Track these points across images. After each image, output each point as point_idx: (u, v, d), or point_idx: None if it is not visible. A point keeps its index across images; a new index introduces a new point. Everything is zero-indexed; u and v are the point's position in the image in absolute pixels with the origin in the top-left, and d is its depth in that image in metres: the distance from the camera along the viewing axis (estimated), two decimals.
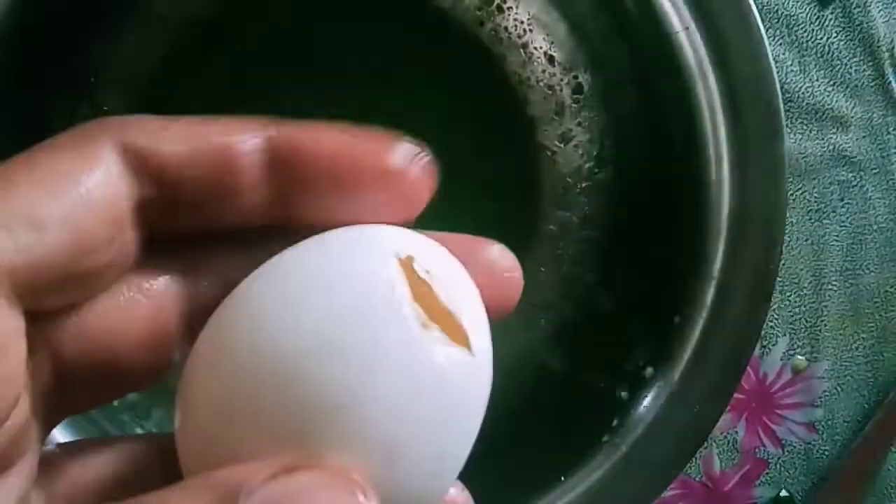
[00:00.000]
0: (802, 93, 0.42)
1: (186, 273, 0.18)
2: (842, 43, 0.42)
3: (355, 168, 0.18)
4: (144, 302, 0.18)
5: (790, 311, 0.42)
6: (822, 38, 0.42)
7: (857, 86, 0.42)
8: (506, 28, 0.38)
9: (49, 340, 0.17)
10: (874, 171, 0.42)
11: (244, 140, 0.17)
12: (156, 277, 0.18)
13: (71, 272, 0.16)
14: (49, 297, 0.16)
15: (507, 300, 0.20)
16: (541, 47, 0.39)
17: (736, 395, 0.41)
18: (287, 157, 0.18)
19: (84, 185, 0.16)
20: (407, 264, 0.17)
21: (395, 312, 0.16)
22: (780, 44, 0.42)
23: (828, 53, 0.42)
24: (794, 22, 0.42)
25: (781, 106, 0.31)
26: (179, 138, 0.17)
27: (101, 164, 0.16)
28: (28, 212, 0.15)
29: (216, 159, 0.17)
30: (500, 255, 0.21)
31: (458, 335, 0.17)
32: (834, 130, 0.42)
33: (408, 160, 0.19)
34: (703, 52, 0.32)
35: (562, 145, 0.39)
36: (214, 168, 0.17)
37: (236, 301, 0.17)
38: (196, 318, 0.18)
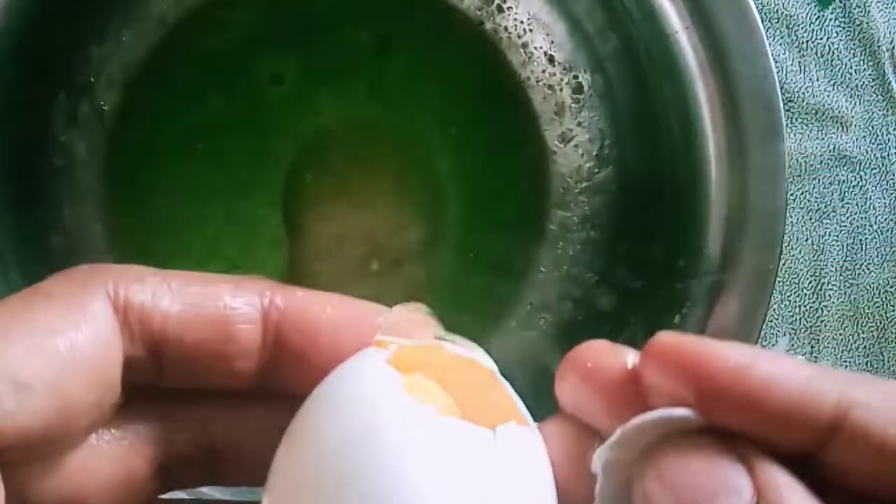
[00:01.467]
0: (802, 93, 0.42)
1: (163, 420, 0.18)
2: (842, 43, 0.42)
3: (358, 340, 0.18)
4: (116, 447, 0.17)
5: (790, 311, 0.42)
6: (822, 38, 0.42)
7: (857, 86, 0.42)
8: (506, 28, 0.38)
9: (14, 484, 0.15)
10: (874, 171, 0.42)
11: (244, 309, 0.17)
12: (131, 423, 0.17)
13: (51, 435, 0.15)
14: (23, 454, 0.15)
15: None
16: (541, 47, 0.39)
17: None
18: (288, 328, 0.17)
19: (75, 347, 0.15)
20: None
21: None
22: (780, 44, 0.42)
23: (828, 53, 0.42)
24: (794, 22, 0.42)
25: (781, 106, 0.31)
26: (179, 298, 0.17)
27: (93, 320, 0.16)
28: (15, 373, 0.15)
29: (215, 326, 0.17)
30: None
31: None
32: (834, 130, 0.42)
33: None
34: (702, 52, 0.32)
35: (562, 145, 0.39)
36: (212, 334, 0.17)
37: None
38: (170, 461, 0.18)
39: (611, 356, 0.17)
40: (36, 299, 0.16)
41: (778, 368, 0.15)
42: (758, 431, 0.15)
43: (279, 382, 0.18)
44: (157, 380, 0.17)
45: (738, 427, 0.15)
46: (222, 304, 0.17)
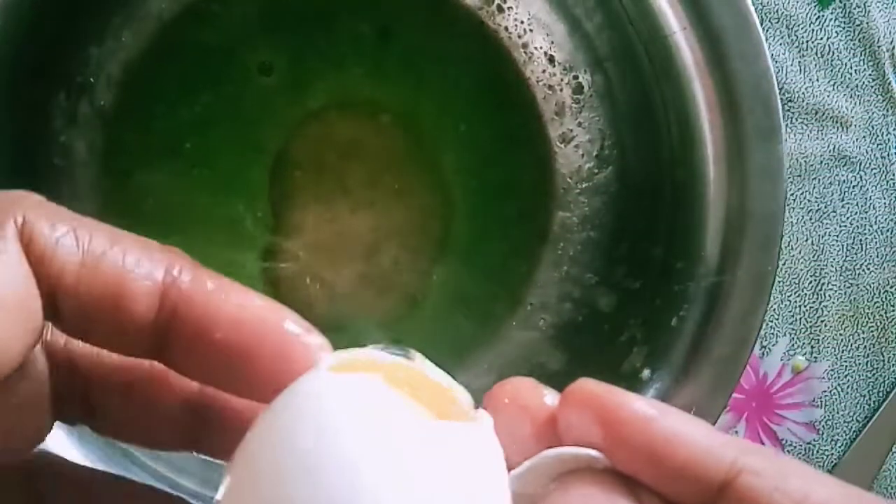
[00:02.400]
0: (802, 93, 0.42)
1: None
2: (842, 43, 0.42)
3: (254, 343, 0.17)
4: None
5: (790, 311, 0.42)
6: (822, 38, 0.42)
7: (857, 86, 0.42)
8: (506, 28, 0.38)
9: None
10: (874, 171, 0.42)
11: (142, 281, 0.17)
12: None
13: None
14: None
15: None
16: (541, 47, 0.39)
17: (736, 395, 0.41)
18: (184, 313, 0.17)
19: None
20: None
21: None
22: (780, 44, 0.42)
23: (828, 53, 0.42)
24: (794, 22, 0.42)
25: (780, 106, 0.31)
26: (81, 250, 0.17)
27: (6, 255, 0.16)
28: None
29: (107, 289, 0.17)
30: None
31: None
32: (834, 130, 0.42)
33: (307, 344, 0.17)
34: (701, 52, 0.32)
35: (562, 145, 0.39)
36: (104, 296, 0.17)
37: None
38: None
39: (532, 395, 0.18)
40: None
41: (682, 425, 0.16)
42: (656, 481, 0.16)
43: (173, 363, 0.18)
44: (57, 324, 0.17)
45: (639, 474, 0.16)
46: (122, 268, 0.17)
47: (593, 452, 0.16)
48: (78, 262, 0.16)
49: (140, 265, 0.17)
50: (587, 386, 0.17)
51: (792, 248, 0.42)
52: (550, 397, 0.18)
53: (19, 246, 0.16)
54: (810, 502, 0.15)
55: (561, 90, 0.39)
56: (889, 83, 0.42)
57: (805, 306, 0.42)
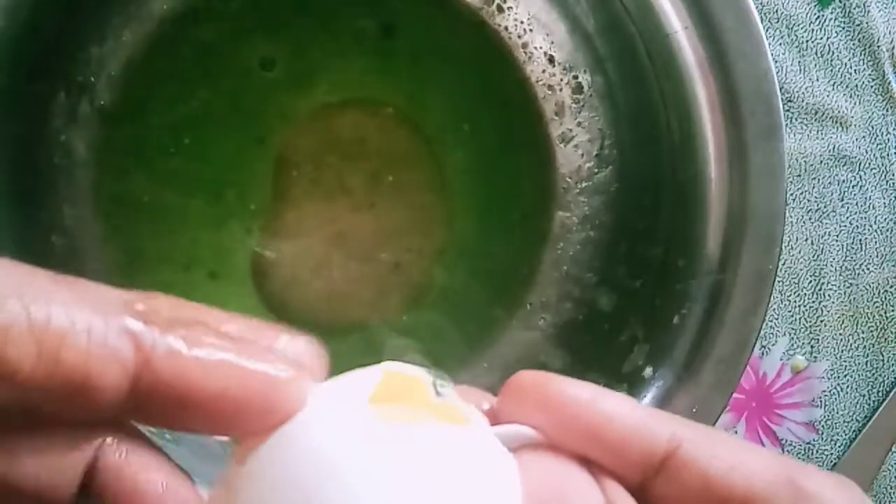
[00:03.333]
0: (802, 93, 0.42)
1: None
2: (842, 43, 0.42)
3: (240, 414, 0.16)
4: None
5: (790, 311, 0.42)
6: (822, 38, 0.42)
7: (857, 86, 0.42)
8: (506, 28, 0.38)
9: None
10: (874, 171, 0.42)
11: (110, 366, 0.15)
12: None
13: None
14: None
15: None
16: (541, 47, 0.39)
17: (736, 395, 0.41)
18: (162, 389, 0.15)
19: None
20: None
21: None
22: (780, 44, 0.42)
23: (828, 53, 0.42)
24: (794, 22, 0.42)
25: (781, 105, 0.31)
26: (35, 339, 0.14)
27: None
28: None
29: (72, 381, 0.15)
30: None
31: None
32: (834, 130, 0.42)
33: (290, 387, 0.16)
34: (702, 51, 0.32)
35: (562, 145, 0.39)
36: (66, 388, 0.15)
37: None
38: None
39: (473, 398, 0.18)
40: None
41: (620, 405, 0.17)
42: (601, 458, 0.17)
43: (148, 422, 0.17)
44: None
45: (586, 453, 0.17)
46: (84, 359, 0.15)
47: (532, 431, 0.17)
48: (33, 356, 0.14)
49: (107, 345, 0.15)
50: (525, 376, 0.18)
51: (792, 248, 0.42)
52: (488, 403, 0.18)
53: None
54: (744, 467, 0.16)
55: (561, 90, 0.39)
56: (889, 83, 0.42)
57: (805, 306, 0.42)
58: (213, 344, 0.16)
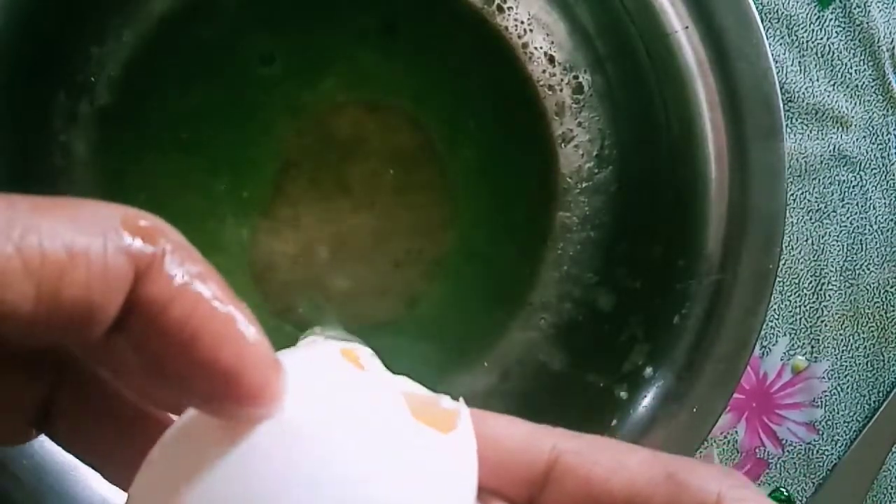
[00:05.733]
0: (802, 93, 0.42)
1: None
2: (842, 43, 0.42)
3: (229, 383, 0.15)
4: None
5: (790, 311, 0.42)
6: (822, 38, 0.42)
7: (857, 86, 0.42)
8: (506, 28, 0.38)
9: None
10: (874, 171, 0.42)
11: (109, 294, 0.14)
12: None
13: None
14: None
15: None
16: (541, 47, 0.39)
17: (736, 395, 0.41)
18: (145, 315, 0.15)
19: None
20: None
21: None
22: (780, 44, 0.42)
23: (828, 53, 0.42)
24: (794, 22, 0.42)
25: (781, 105, 0.31)
26: (34, 282, 0.13)
27: None
28: None
29: (72, 318, 0.14)
30: None
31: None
32: (834, 130, 0.42)
33: (259, 361, 0.16)
34: (702, 51, 0.32)
35: (562, 145, 0.39)
36: (66, 324, 0.14)
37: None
38: None
39: None
40: None
41: (499, 424, 0.17)
42: (486, 480, 0.17)
43: (130, 343, 0.16)
44: None
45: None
46: (86, 291, 0.14)
47: None
48: (31, 300, 0.14)
49: (108, 272, 0.14)
50: None
51: (792, 248, 0.42)
52: None
53: None
54: (624, 470, 0.17)
55: (561, 90, 0.39)
56: (889, 83, 0.42)
57: (805, 306, 0.42)
58: (219, 291, 0.15)
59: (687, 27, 0.32)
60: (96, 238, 0.14)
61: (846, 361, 0.42)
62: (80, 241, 0.14)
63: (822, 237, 0.42)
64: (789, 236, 0.42)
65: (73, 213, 0.14)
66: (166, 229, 0.16)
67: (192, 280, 0.15)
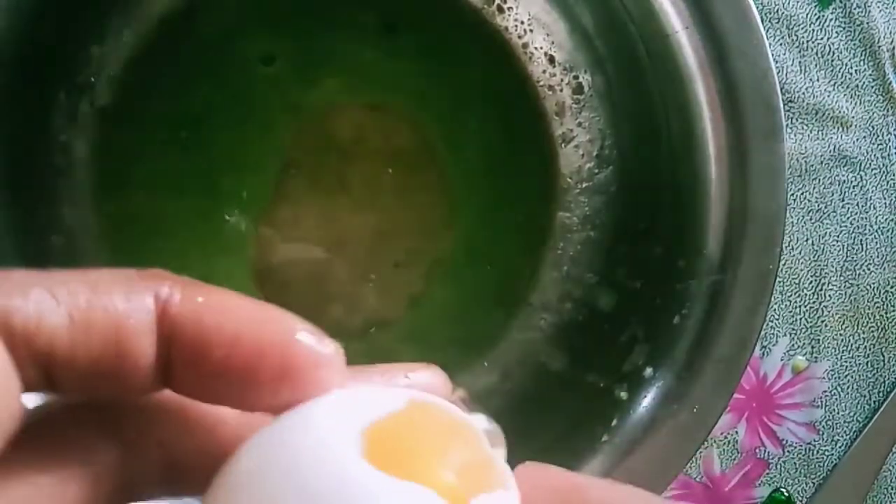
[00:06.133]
0: (802, 93, 0.42)
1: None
2: (842, 43, 0.42)
3: (256, 357, 0.16)
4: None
5: (790, 311, 0.42)
6: (822, 38, 0.42)
7: (857, 86, 0.42)
8: (506, 28, 0.38)
9: None
10: (874, 171, 0.42)
11: (138, 317, 0.15)
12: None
13: None
14: None
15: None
16: (541, 47, 0.39)
17: (736, 395, 0.41)
18: (181, 336, 0.15)
19: None
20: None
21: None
22: (780, 44, 0.42)
23: (828, 53, 0.42)
24: (794, 22, 0.42)
25: (781, 106, 0.31)
26: (66, 311, 0.15)
27: None
28: None
29: (106, 343, 0.15)
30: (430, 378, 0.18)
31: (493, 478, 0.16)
32: (834, 130, 0.42)
33: (314, 352, 0.16)
34: (702, 52, 0.32)
35: (562, 145, 0.39)
36: (104, 352, 0.15)
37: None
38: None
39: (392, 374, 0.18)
40: None
41: (603, 491, 0.16)
42: None
43: (181, 389, 0.16)
44: (52, 391, 0.16)
45: None
46: (114, 313, 0.15)
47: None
48: (66, 325, 0.15)
49: (130, 300, 0.15)
50: (532, 469, 0.17)
51: (792, 248, 0.42)
52: None
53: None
54: None
55: (561, 90, 0.39)
56: (889, 83, 0.42)
57: (805, 306, 0.42)
58: (231, 299, 0.16)
59: (687, 27, 0.32)
60: (114, 283, 0.15)
61: (846, 361, 0.42)
62: (104, 283, 0.15)
63: (822, 237, 0.42)
64: (789, 236, 0.42)
65: (84, 277, 0.15)
66: (169, 273, 0.16)
67: (210, 292, 0.16)
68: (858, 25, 0.42)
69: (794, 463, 0.42)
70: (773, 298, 0.32)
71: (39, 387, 0.15)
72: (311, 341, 0.16)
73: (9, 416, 0.14)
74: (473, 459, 0.16)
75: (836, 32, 0.42)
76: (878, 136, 0.42)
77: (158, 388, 0.16)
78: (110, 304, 0.15)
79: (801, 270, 0.42)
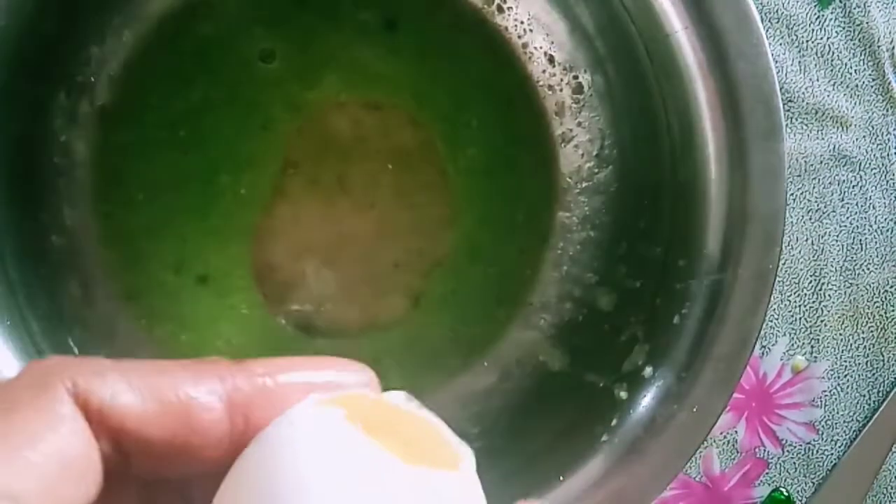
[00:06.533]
0: (802, 93, 0.42)
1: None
2: (842, 43, 0.42)
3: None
4: None
5: (790, 311, 0.42)
6: (822, 38, 0.42)
7: (857, 86, 0.42)
8: (506, 28, 0.38)
9: None
10: (874, 171, 0.42)
11: (207, 398, 0.17)
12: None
13: None
14: None
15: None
16: (541, 47, 0.39)
17: (736, 395, 0.41)
18: (256, 411, 0.17)
19: (56, 450, 0.16)
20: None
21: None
22: (780, 44, 0.42)
23: (828, 53, 0.42)
24: (794, 22, 0.42)
25: (781, 105, 0.31)
26: (139, 394, 0.16)
27: (64, 420, 0.16)
28: (8, 488, 0.15)
29: (178, 420, 0.17)
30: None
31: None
32: (834, 130, 0.42)
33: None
34: (702, 52, 0.32)
35: (562, 145, 0.39)
36: (175, 428, 0.17)
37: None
38: None
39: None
40: (2, 413, 0.16)
41: None
42: None
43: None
44: (126, 470, 0.17)
45: None
46: (184, 396, 0.17)
47: None
48: (139, 407, 0.16)
49: (198, 386, 0.17)
50: None
51: (792, 248, 0.42)
52: None
53: (76, 409, 0.16)
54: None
55: (561, 90, 0.39)
56: (889, 83, 0.42)
57: (805, 306, 0.42)
58: (286, 366, 0.18)
59: (687, 27, 0.32)
60: (181, 368, 0.17)
61: (846, 361, 0.42)
62: (169, 372, 0.17)
63: (822, 237, 0.42)
64: (789, 236, 0.42)
65: (155, 364, 0.17)
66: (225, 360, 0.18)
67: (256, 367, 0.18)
68: (858, 25, 0.42)
69: (794, 462, 0.42)
70: (772, 298, 0.32)
71: (114, 461, 0.17)
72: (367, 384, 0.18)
73: (93, 481, 0.16)
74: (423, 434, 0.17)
75: (836, 32, 0.42)
76: (877, 135, 0.42)
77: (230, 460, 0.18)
78: (179, 387, 0.17)
79: (801, 270, 0.42)
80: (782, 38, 0.42)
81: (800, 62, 0.42)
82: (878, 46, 0.42)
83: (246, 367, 0.18)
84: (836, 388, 0.42)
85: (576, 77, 0.39)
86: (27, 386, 0.16)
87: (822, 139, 0.42)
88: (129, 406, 0.16)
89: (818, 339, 0.42)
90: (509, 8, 0.38)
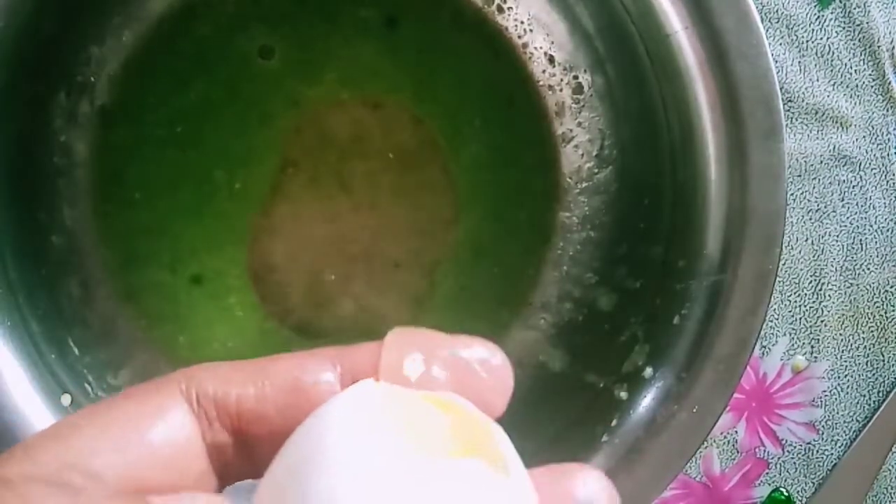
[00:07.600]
0: (802, 93, 0.42)
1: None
2: (842, 43, 0.42)
3: None
4: None
5: (790, 311, 0.42)
6: (822, 38, 0.42)
7: (857, 86, 0.42)
8: (506, 28, 0.38)
9: None
10: (874, 171, 0.42)
11: (314, 374, 0.18)
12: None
13: None
14: None
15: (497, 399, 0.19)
16: (541, 47, 0.39)
17: (736, 395, 0.41)
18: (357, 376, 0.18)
19: (148, 437, 0.16)
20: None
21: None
22: (780, 44, 0.42)
23: (828, 53, 0.42)
24: (794, 22, 0.42)
25: (781, 106, 0.31)
26: (251, 380, 0.17)
27: (167, 414, 0.17)
28: (86, 462, 0.16)
29: (293, 394, 0.17)
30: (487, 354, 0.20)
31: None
32: (834, 130, 0.42)
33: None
34: (702, 52, 0.32)
35: (562, 145, 0.39)
36: (292, 401, 0.17)
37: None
38: None
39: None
40: (115, 401, 0.17)
41: None
42: None
43: None
44: (251, 466, 0.18)
45: None
46: (292, 374, 0.18)
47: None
48: (254, 389, 0.17)
49: (309, 365, 0.18)
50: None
51: (792, 248, 0.42)
52: None
53: (182, 405, 0.17)
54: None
55: (561, 90, 0.39)
56: (889, 83, 0.42)
57: (805, 306, 0.42)
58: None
59: (687, 28, 0.32)
60: (286, 359, 0.18)
61: (846, 361, 0.42)
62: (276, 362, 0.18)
63: (822, 237, 0.42)
64: (789, 236, 0.42)
65: (261, 360, 0.18)
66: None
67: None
68: (858, 25, 0.42)
69: (794, 462, 0.42)
70: (772, 298, 0.32)
71: (236, 453, 0.18)
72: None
73: (186, 470, 0.17)
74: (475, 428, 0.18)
75: (836, 32, 0.42)
76: (877, 136, 0.42)
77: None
78: (288, 368, 0.18)
79: (801, 270, 0.42)
80: (782, 38, 0.42)
81: (800, 62, 0.42)
82: (878, 46, 0.42)
83: (352, 351, 0.18)
84: (836, 388, 0.42)
85: (576, 77, 0.39)
86: (145, 385, 0.17)
87: (822, 139, 0.42)
88: (243, 390, 0.17)
89: (818, 340, 0.42)
90: (509, 8, 0.38)
